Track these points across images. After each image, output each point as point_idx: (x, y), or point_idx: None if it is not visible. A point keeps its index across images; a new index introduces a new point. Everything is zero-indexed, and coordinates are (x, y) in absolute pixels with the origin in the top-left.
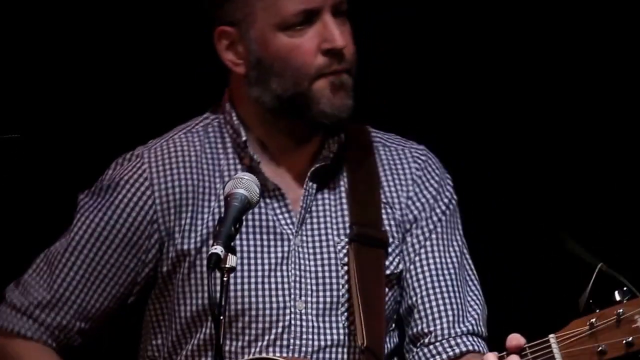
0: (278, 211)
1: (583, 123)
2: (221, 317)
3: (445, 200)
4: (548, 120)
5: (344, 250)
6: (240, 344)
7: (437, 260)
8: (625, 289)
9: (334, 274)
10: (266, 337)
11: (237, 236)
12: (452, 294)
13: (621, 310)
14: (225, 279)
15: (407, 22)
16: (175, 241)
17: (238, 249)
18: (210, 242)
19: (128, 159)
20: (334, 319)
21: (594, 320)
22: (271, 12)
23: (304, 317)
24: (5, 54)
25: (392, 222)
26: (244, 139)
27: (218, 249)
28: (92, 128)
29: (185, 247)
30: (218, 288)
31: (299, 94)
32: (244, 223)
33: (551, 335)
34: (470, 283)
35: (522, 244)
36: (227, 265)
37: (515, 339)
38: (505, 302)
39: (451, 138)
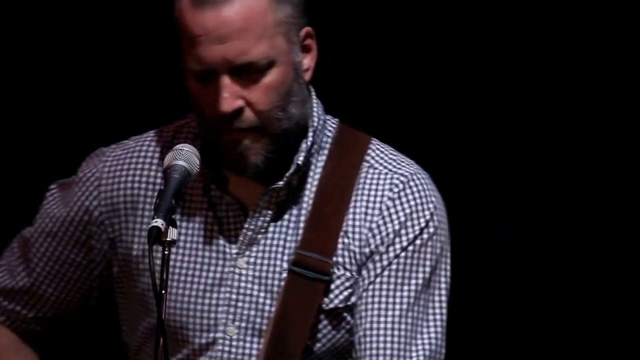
0: (232, 226)
1: (580, 126)
2: (163, 292)
3: (410, 235)
4: (546, 122)
5: (285, 277)
6: None
7: (384, 299)
8: None
9: (272, 302)
10: None
11: (179, 252)
12: (389, 337)
13: None
14: (166, 252)
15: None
16: (122, 244)
17: (178, 264)
18: None
19: (96, 155)
20: (261, 346)
21: None
22: (184, 54)
23: (234, 342)
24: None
25: (346, 253)
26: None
27: (158, 222)
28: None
29: (128, 252)
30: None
31: (209, 139)
32: (188, 239)
33: None
34: (424, 324)
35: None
36: (168, 239)
37: None
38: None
39: (446, 138)
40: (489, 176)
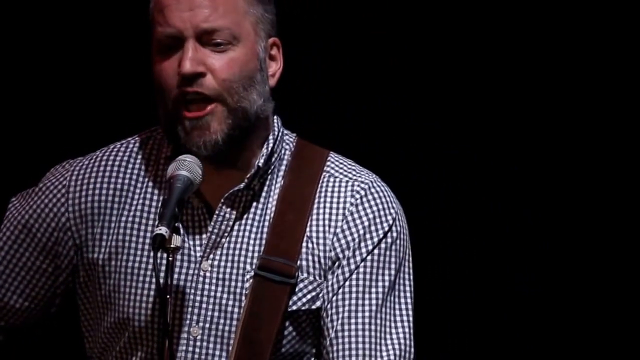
0: (197, 230)
1: (570, 127)
2: (168, 297)
3: (375, 239)
4: (535, 122)
5: (251, 280)
6: None
7: (353, 301)
8: None
9: (236, 304)
10: None
11: (144, 253)
12: (360, 338)
13: None
14: (170, 259)
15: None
16: (87, 249)
17: (143, 265)
18: (119, 255)
19: (62, 166)
20: (231, 348)
21: None
22: (153, 35)
23: (197, 343)
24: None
25: (310, 258)
26: (163, 155)
27: (162, 230)
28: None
29: (94, 256)
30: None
31: (171, 122)
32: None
33: None
34: (392, 325)
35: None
36: (172, 245)
37: None
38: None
39: (435, 139)
40: (478, 177)
